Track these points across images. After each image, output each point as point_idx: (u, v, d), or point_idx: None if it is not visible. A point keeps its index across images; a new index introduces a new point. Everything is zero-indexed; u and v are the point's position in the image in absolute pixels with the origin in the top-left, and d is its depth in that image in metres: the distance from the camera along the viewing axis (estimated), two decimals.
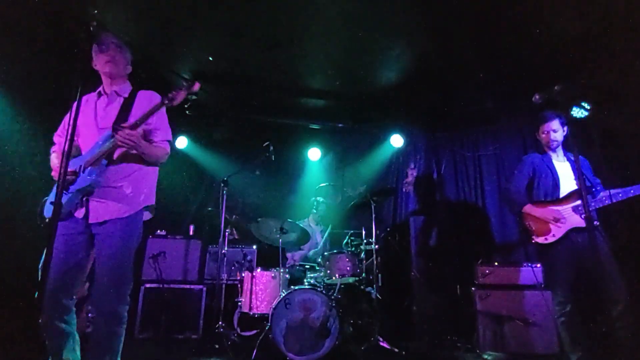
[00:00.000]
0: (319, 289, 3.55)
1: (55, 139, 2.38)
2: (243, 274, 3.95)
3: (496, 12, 3.39)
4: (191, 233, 4.78)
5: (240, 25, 3.70)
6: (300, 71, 4.55)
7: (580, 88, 4.04)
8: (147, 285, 4.24)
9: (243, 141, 5.55)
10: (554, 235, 2.82)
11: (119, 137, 2.04)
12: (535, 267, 3.70)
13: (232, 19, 3.61)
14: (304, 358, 3.24)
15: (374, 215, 4.18)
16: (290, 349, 3.25)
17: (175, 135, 5.18)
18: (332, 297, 3.44)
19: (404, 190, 5.52)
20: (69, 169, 1.94)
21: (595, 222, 2.78)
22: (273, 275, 3.81)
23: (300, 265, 4.32)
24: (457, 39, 3.80)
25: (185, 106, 4.69)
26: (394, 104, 5.16)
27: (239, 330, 4.19)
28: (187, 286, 4.35)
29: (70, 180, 2.06)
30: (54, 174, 2.24)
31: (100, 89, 2.32)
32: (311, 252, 4.61)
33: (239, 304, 3.91)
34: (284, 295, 3.42)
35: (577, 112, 4.05)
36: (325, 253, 3.93)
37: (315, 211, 4.84)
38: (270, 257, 4.44)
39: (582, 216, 2.71)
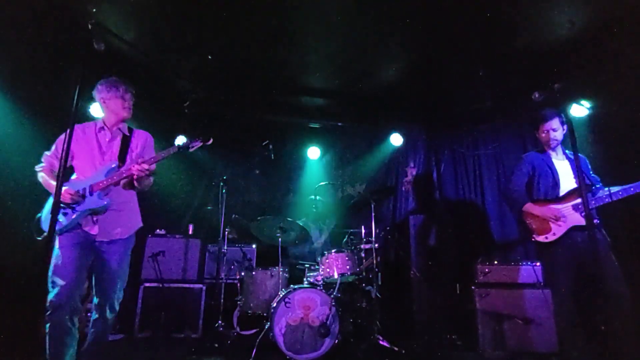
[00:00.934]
0: (318, 287, 3.55)
1: (46, 159, 2.55)
2: (242, 273, 3.96)
3: (495, 11, 3.38)
4: (190, 232, 4.77)
5: (240, 24, 3.69)
6: (299, 70, 4.54)
7: (580, 86, 4.04)
8: (147, 285, 4.23)
9: (242, 140, 5.54)
10: (554, 234, 2.82)
11: (135, 170, 2.40)
12: (535, 265, 3.70)
13: (231, 17, 3.60)
14: (304, 357, 3.25)
15: (373, 214, 4.18)
16: (289, 348, 3.25)
17: (174, 134, 5.20)
18: (332, 296, 3.44)
19: (403, 189, 5.52)
20: (73, 190, 2.37)
21: (595, 220, 2.78)
22: (272, 274, 3.82)
23: (299, 263, 4.32)
24: (456, 37, 3.80)
25: (184, 105, 4.69)
26: (394, 103, 5.16)
27: (238, 329, 4.19)
28: (187, 285, 4.34)
29: (77, 201, 2.38)
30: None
31: (101, 123, 2.61)
32: (312, 250, 4.60)
33: (239, 303, 3.91)
34: (283, 294, 3.42)
35: (577, 110, 4.06)
36: (325, 252, 3.93)
37: (315, 210, 4.84)
38: (269, 256, 4.44)
39: (582, 214, 2.71)
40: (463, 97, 4.96)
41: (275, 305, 3.37)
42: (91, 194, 2.43)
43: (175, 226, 4.94)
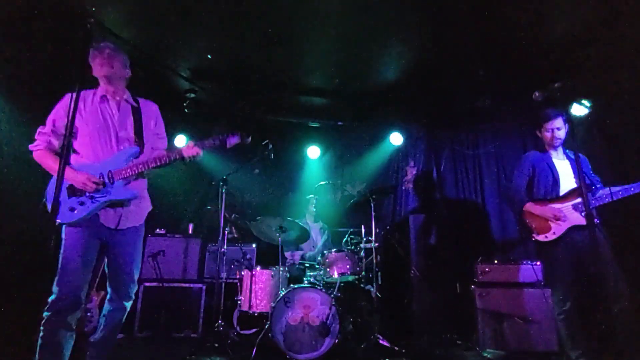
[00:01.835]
0: (318, 287, 3.54)
1: (41, 136, 2.26)
2: (242, 273, 3.95)
3: (496, 10, 3.37)
4: (190, 232, 4.77)
5: (239, 23, 3.68)
6: (299, 69, 4.54)
7: (580, 85, 4.04)
8: (147, 284, 4.23)
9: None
10: (554, 233, 2.82)
11: (186, 152, 2.36)
12: (535, 264, 3.70)
13: (231, 17, 3.59)
14: (304, 356, 3.24)
15: (373, 214, 4.17)
16: (290, 348, 3.25)
17: (174, 133, 5.20)
18: (332, 296, 3.44)
19: (403, 188, 5.52)
20: (95, 177, 2.14)
21: (595, 220, 2.78)
22: (272, 273, 3.81)
23: (299, 263, 4.32)
24: (456, 36, 3.79)
25: (184, 104, 4.68)
26: (394, 102, 5.15)
27: (238, 328, 4.19)
28: (187, 285, 4.34)
29: (99, 190, 2.15)
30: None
31: (102, 92, 2.33)
32: (308, 254, 4.60)
33: (239, 302, 3.91)
34: (283, 293, 3.42)
35: (578, 110, 4.05)
36: (325, 251, 3.93)
37: (314, 209, 4.83)
38: (269, 256, 4.44)
39: (583, 214, 2.71)
40: (463, 96, 4.96)
41: (275, 304, 3.37)
42: (112, 181, 2.19)
43: (175, 226, 4.94)
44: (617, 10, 3.27)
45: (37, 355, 2.00)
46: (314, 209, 4.84)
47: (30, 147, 2.27)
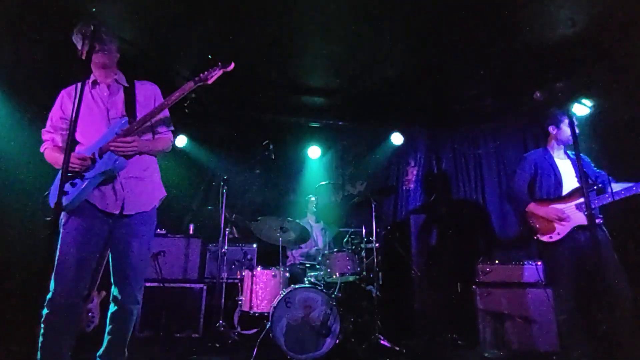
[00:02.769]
0: (319, 287, 3.54)
1: (46, 136, 2.26)
2: (243, 273, 3.94)
3: (496, 10, 3.37)
4: (191, 232, 4.76)
5: (239, 23, 3.68)
6: (300, 69, 4.54)
7: (581, 85, 4.03)
8: (147, 284, 4.21)
9: (243, 139, 5.53)
10: (558, 234, 2.80)
11: (113, 147, 2.06)
12: (537, 264, 3.69)
13: (231, 17, 3.59)
14: (305, 357, 3.24)
15: (374, 214, 4.17)
16: (290, 348, 3.24)
17: (174, 133, 5.18)
18: (333, 296, 3.44)
19: (404, 188, 5.51)
20: (82, 155, 2.03)
21: (598, 220, 2.77)
22: (273, 273, 3.80)
23: (300, 263, 4.31)
24: (457, 36, 3.79)
25: (185, 104, 4.67)
26: (395, 102, 5.15)
27: (239, 329, 4.19)
28: (188, 285, 4.34)
29: (86, 167, 2.04)
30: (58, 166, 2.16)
31: (93, 78, 2.26)
32: (313, 249, 4.60)
33: (239, 302, 3.90)
34: (284, 293, 3.41)
35: (579, 109, 4.04)
36: (326, 251, 3.93)
37: (315, 209, 4.83)
38: (270, 256, 4.43)
39: (586, 214, 2.70)
40: (464, 96, 4.96)
41: (276, 305, 3.36)
42: (101, 156, 2.07)
43: (176, 226, 4.94)
44: (617, 10, 3.26)
45: (38, 353, 1.96)
46: (315, 209, 4.84)
47: (41, 149, 2.26)
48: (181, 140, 5.35)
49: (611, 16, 3.36)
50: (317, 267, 4.03)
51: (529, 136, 4.79)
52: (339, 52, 4.13)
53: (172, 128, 2.46)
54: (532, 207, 2.93)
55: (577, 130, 2.97)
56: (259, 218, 4.00)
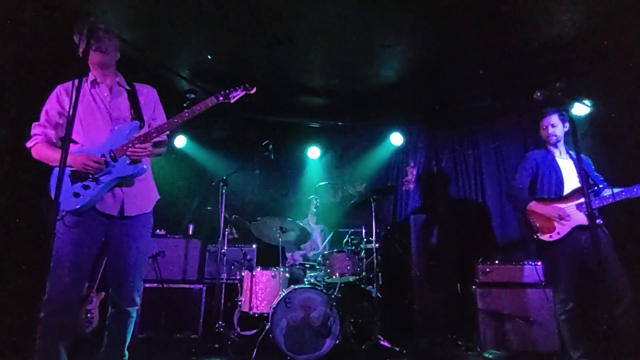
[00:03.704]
0: (319, 288, 3.54)
1: (38, 129, 2.17)
2: (243, 273, 3.94)
3: (496, 9, 3.37)
4: (190, 232, 4.75)
5: (239, 23, 3.68)
6: (299, 69, 4.54)
7: (581, 85, 4.03)
8: (147, 285, 4.20)
9: (242, 140, 5.53)
10: (558, 233, 2.80)
11: (131, 152, 2.05)
12: (537, 264, 3.68)
13: (231, 16, 3.59)
14: (305, 357, 3.23)
15: (374, 214, 4.17)
16: (290, 349, 3.24)
17: (174, 134, 5.19)
18: (333, 296, 3.43)
19: (404, 188, 5.51)
20: (96, 157, 2.01)
21: (598, 220, 2.77)
22: (273, 274, 3.80)
23: (300, 264, 4.31)
24: (456, 36, 3.79)
25: (184, 105, 4.67)
26: (394, 102, 5.15)
27: (239, 329, 4.18)
28: (187, 286, 4.33)
29: (101, 169, 2.01)
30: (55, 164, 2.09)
31: (92, 77, 2.23)
32: (311, 254, 4.59)
33: (239, 303, 3.90)
34: (284, 294, 3.41)
35: (579, 109, 4.04)
36: (325, 252, 3.92)
37: (315, 210, 4.82)
38: (270, 256, 4.43)
39: (586, 214, 2.69)
40: (463, 95, 4.95)
41: (275, 305, 3.36)
42: (115, 159, 2.05)
43: (175, 226, 4.92)
44: (617, 10, 3.26)
45: (35, 356, 1.94)
46: (315, 210, 4.83)
47: (27, 144, 2.17)
48: (181, 141, 5.34)
49: (611, 16, 3.36)
50: (317, 267, 4.03)
51: (529, 136, 4.78)
52: (339, 52, 4.13)
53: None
54: (532, 205, 2.93)
55: (567, 129, 3.00)
56: (259, 218, 3.99)
